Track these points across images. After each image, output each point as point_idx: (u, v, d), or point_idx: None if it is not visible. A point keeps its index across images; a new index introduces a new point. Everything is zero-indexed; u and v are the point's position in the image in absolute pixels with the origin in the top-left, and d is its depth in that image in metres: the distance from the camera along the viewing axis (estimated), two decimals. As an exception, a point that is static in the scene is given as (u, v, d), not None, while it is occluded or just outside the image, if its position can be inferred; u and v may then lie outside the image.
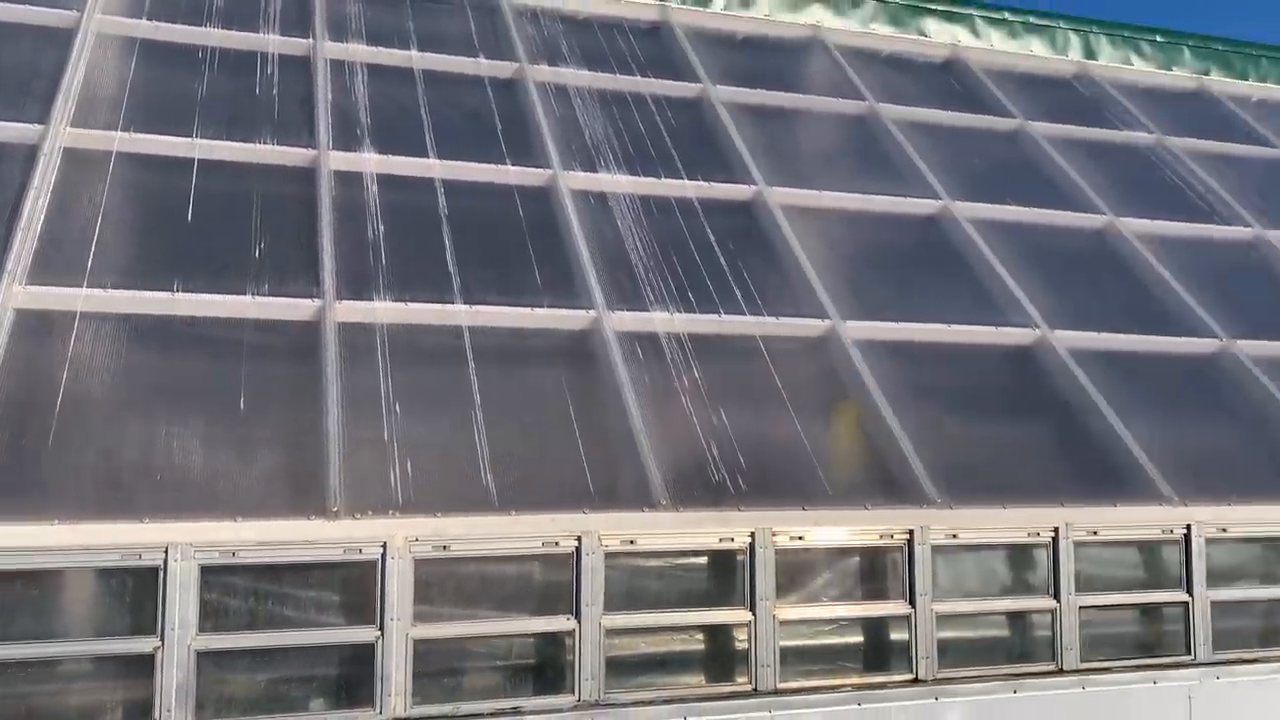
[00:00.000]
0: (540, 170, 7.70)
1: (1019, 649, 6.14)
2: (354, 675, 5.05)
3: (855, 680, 5.77)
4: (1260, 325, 8.25)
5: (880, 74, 10.34)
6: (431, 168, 7.45)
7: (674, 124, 8.70)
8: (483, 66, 8.77)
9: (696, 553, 5.77)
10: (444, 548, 5.19)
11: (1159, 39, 12.06)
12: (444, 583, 5.26)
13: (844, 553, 5.94)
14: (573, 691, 5.30)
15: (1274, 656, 6.51)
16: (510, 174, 7.62)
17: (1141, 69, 11.89)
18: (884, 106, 9.73)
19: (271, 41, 8.23)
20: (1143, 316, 8.10)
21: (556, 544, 5.35)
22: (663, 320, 6.77)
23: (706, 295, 7.08)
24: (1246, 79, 12.39)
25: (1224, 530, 6.55)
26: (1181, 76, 12.08)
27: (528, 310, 6.50)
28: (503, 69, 8.79)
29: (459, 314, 6.35)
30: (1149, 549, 6.50)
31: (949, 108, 10.06)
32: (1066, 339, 7.52)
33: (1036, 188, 9.27)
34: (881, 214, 8.43)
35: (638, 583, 5.61)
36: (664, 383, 6.39)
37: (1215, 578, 6.51)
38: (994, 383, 7.27)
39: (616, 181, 7.83)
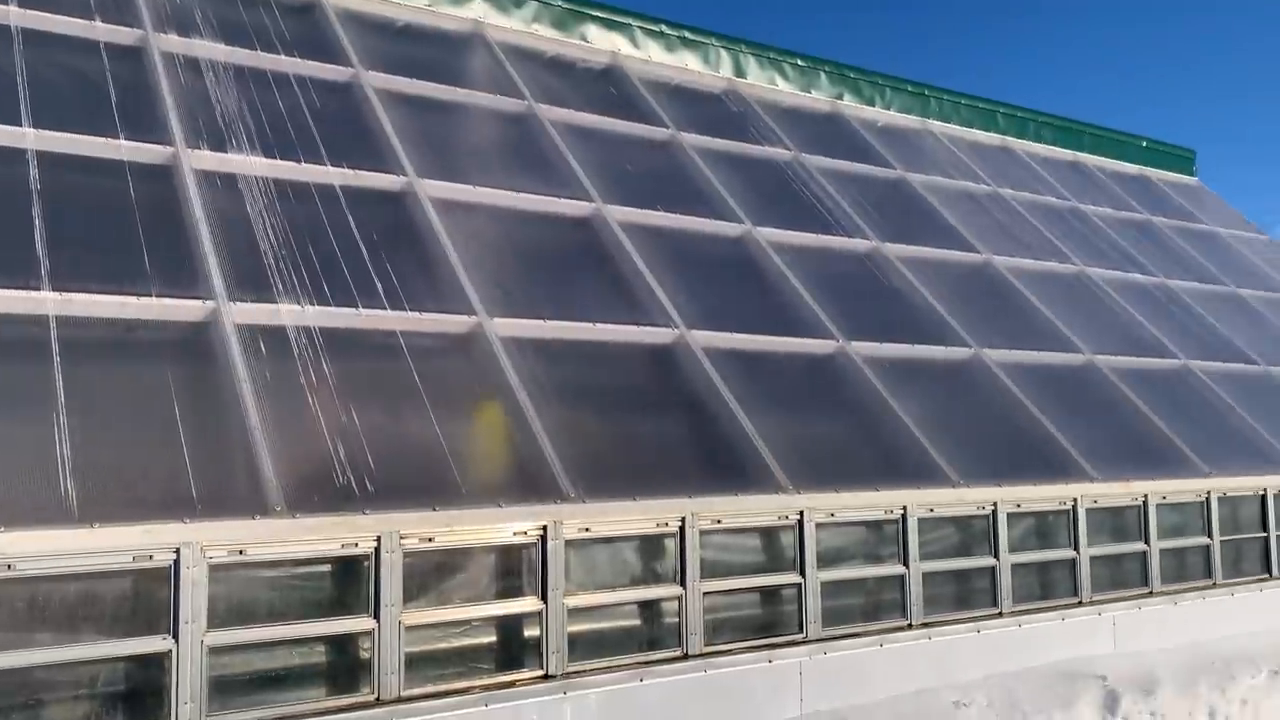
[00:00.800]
0: (159, 147, 7.03)
1: (648, 637, 6.33)
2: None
3: (485, 681, 5.69)
4: (872, 328, 9.09)
5: (540, 75, 10.42)
6: (24, 137, 6.58)
7: (320, 107, 8.26)
8: (99, 30, 7.89)
9: (319, 561, 5.46)
10: (7, 566, 4.54)
11: (800, 63, 13.06)
12: (11, 605, 4.61)
13: (478, 552, 5.85)
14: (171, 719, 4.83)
15: (873, 630, 7.15)
16: (123, 149, 6.89)
17: (785, 89, 12.82)
18: (542, 107, 9.81)
19: None
20: (772, 318, 8.66)
21: (150, 557, 4.85)
22: (291, 313, 6.37)
23: (344, 288, 6.75)
24: (874, 105, 13.70)
25: (832, 515, 7.12)
26: (819, 99, 13.14)
27: (132, 299, 5.87)
28: (123, 34, 7.96)
29: (46, 301, 5.62)
30: (768, 535, 6.93)
31: (606, 114, 10.30)
32: (702, 339, 7.89)
33: (683, 195, 9.69)
34: (534, 213, 8.47)
35: (252, 596, 5.22)
36: (289, 380, 6.00)
37: (824, 560, 7.05)
38: (634, 380, 7.48)
39: (249, 163, 7.31)
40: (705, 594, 6.47)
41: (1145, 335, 11.28)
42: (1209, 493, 9.28)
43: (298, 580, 5.44)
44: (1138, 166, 16.68)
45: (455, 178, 8.27)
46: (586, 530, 6.10)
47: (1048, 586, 8.17)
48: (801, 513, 6.94)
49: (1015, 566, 7.94)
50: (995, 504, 7.88)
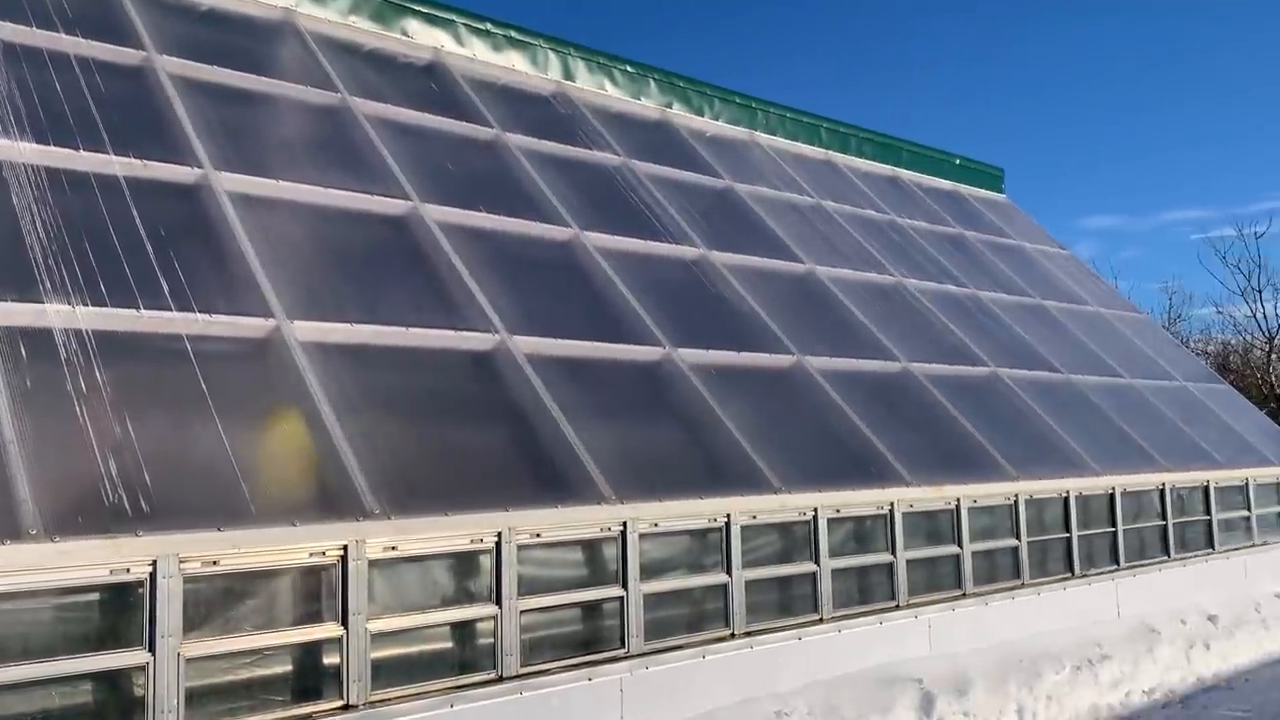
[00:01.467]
0: (-97, 127, 6.23)
1: (460, 660, 5.99)
2: None
3: (278, 715, 5.22)
4: (698, 335, 9.02)
5: (357, 68, 9.92)
6: None
7: (104, 92, 7.55)
8: None
9: (86, 589, 4.87)
10: None
11: (630, 69, 12.97)
12: None
13: (270, 576, 5.37)
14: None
15: (695, 641, 7.02)
16: None
17: (614, 95, 12.69)
18: (357, 101, 9.32)
19: None
20: (598, 325, 8.47)
21: None
22: (60, 314, 5.73)
23: (124, 287, 6.13)
24: (703, 115, 13.76)
25: (656, 525, 6.95)
26: (649, 107, 13.09)
27: None
28: None
29: None
30: (590, 547, 6.70)
31: (427, 110, 9.90)
32: (525, 345, 7.61)
33: (508, 197, 9.39)
34: (344, 210, 7.99)
35: (7, 630, 4.60)
36: (54, 388, 5.38)
37: (648, 571, 6.88)
38: (451, 388, 7.12)
39: (16, 149, 6.57)
40: (523, 612, 6.18)
41: (958, 344, 11.69)
42: (1017, 496, 9.64)
43: (65, 611, 4.85)
44: (951, 183, 17.41)
45: (256, 171, 7.72)
46: (393, 549, 5.71)
47: (866, 591, 8.26)
48: (625, 523, 6.75)
49: (835, 572, 7.99)
50: (816, 509, 7.90)
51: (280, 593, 5.42)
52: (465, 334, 7.43)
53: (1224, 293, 58.03)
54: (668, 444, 7.86)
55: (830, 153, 15.36)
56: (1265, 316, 31.87)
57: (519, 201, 9.43)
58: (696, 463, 7.78)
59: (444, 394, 7.04)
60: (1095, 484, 10.54)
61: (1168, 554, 11.47)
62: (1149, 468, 11.47)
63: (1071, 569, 10.16)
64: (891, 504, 8.46)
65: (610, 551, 6.75)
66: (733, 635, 7.23)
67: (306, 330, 6.59)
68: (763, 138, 14.35)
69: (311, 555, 5.44)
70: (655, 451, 7.66)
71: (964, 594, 8.95)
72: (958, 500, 9.03)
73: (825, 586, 7.87)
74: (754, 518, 7.52)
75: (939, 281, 13.15)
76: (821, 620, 7.80)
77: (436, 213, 8.46)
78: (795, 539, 7.89)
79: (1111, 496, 10.78)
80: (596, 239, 9.53)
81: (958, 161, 17.69)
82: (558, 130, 11.12)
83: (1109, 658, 9.47)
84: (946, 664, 8.38)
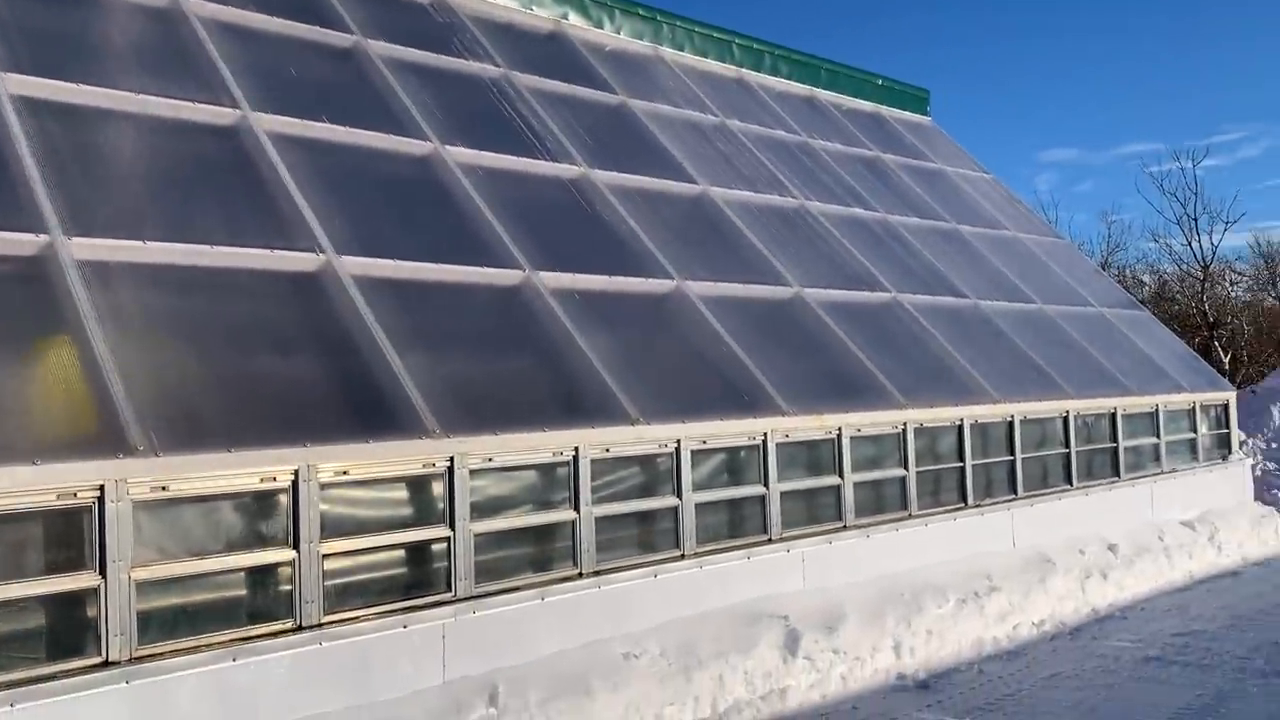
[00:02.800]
0: None
1: (251, 610, 5.46)
2: None
3: (23, 675, 4.67)
4: (566, 258, 8.43)
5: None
6: None
7: None
8: None
9: None
10: None
11: (520, -22, 12.15)
12: None
13: (11, 522, 4.78)
14: None
15: (536, 582, 6.55)
16: None
17: (501, 4, 11.89)
18: (192, 2, 8.49)
19: None
20: (448, 246, 7.84)
21: None
22: None
23: None
24: (602, 28, 12.99)
25: (490, 460, 6.43)
26: (541, 17, 12.30)
27: None
28: None
29: None
30: (414, 485, 6.17)
31: (273, 14, 9.08)
32: (354, 266, 6.98)
33: (360, 108, 8.66)
34: (160, 119, 7.25)
35: None
36: None
37: (482, 510, 6.37)
38: (261, 314, 6.48)
39: None
40: (325, 556, 5.65)
41: (860, 269, 11.19)
42: (905, 424, 9.23)
43: None
44: (873, 104, 16.80)
45: (56, 74, 6.94)
46: (163, 489, 5.13)
47: (736, 525, 7.83)
48: (452, 459, 6.21)
49: (701, 506, 7.54)
50: (679, 441, 7.42)
51: (26, 540, 4.84)
52: (284, 254, 6.78)
53: (1161, 222, 58.25)
54: (517, 375, 7.30)
55: (743, 70, 14.66)
56: (1200, 246, 31.80)
57: (373, 113, 8.71)
58: (546, 394, 7.24)
59: (250, 320, 6.40)
60: (992, 411, 10.17)
61: (1070, 483, 11.18)
62: (1052, 394, 11.11)
63: (965, 499, 9.81)
64: (765, 434, 8.00)
65: (437, 489, 6.22)
66: (580, 575, 6.77)
67: (84, 248, 5.92)
68: (668, 53, 13.62)
69: (61, 498, 4.85)
70: (500, 383, 7.10)
71: (844, 526, 8.56)
72: (839, 429, 8.60)
73: (688, 522, 7.43)
74: (607, 450, 7.02)
75: (846, 205, 12.60)
76: (683, 557, 7.37)
77: (269, 122, 7.74)
78: (657, 472, 7.41)
79: (1010, 424, 10.42)
80: (459, 154, 8.85)
81: (880, 82, 17.05)
82: (429, 39, 10.35)
83: (998, 589, 9.17)
84: (819, 599, 8.01)
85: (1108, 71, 53.77)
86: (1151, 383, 12.94)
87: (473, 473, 6.33)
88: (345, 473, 5.79)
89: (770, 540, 7.95)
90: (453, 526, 6.21)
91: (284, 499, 5.57)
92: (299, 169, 7.53)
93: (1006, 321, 12.16)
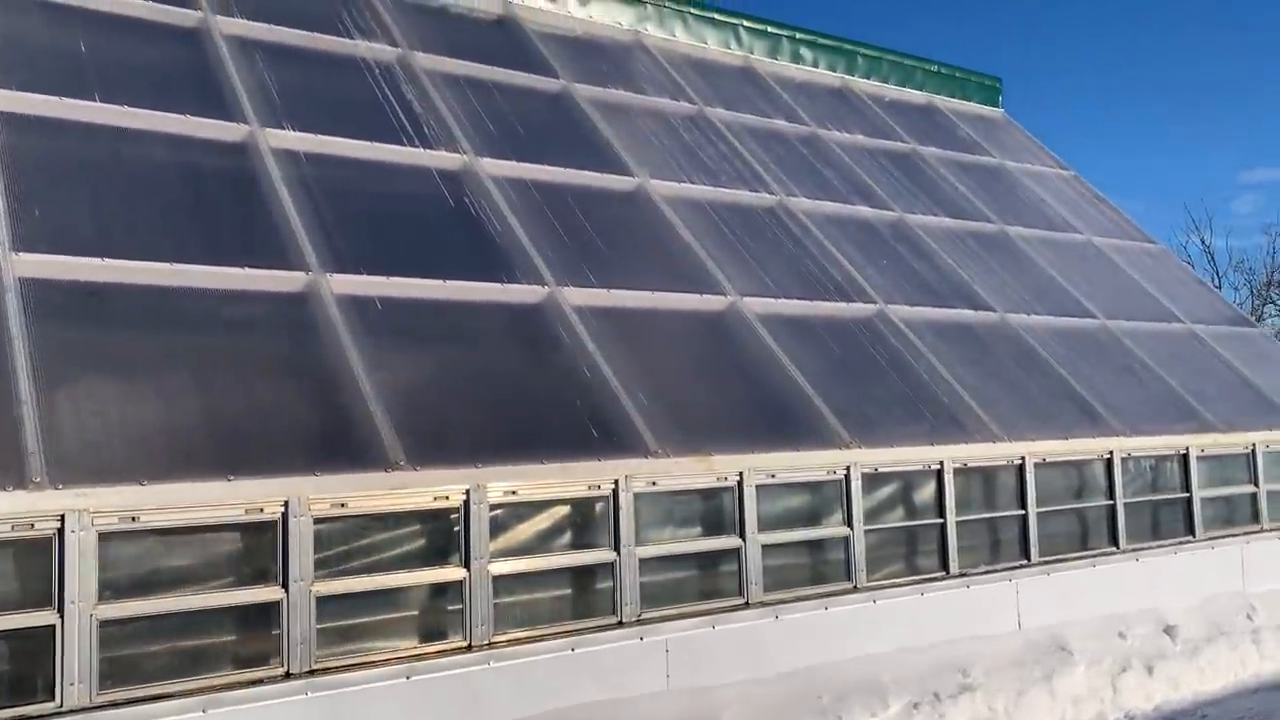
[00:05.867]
0: None
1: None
2: None
3: None
4: (372, 260, 6.82)
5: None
6: None
7: None
8: None
9: None
10: None
11: None
12: None
13: None
14: None
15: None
16: None
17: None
18: None
19: None
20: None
21: None
22: None
23: None
24: (567, 7, 11.37)
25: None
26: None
27: None
28: None
29: None
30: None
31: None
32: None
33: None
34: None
35: None
36: None
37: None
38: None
39: None
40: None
41: (840, 275, 9.11)
42: (849, 468, 7.13)
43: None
44: (926, 94, 14.57)
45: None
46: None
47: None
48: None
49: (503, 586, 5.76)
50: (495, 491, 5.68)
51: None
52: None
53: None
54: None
55: (751, 57, 12.78)
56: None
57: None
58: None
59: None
60: (989, 452, 7.92)
61: (1115, 544, 8.74)
62: (1088, 430, 8.72)
63: (947, 566, 7.60)
64: (616, 482, 6.13)
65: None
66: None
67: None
68: (653, 38, 11.90)
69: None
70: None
71: (747, 603, 6.54)
72: (741, 475, 6.61)
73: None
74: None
75: (849, 202, 10.53)
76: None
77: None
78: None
79: (1020, 469, 8.13)
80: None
81: (934, 69, 14.81)
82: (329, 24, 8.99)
83: (973, 689, 6.94)
84: (687, 703, 6.03)
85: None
86: (1247, 415, 10.25)
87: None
88: (514, 493, 5.67)
89: (621, 624, 6.03)
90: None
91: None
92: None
93: (1044, 338, 9.80)
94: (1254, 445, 10.02)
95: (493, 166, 8.11)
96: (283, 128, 7.36)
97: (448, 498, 5.50)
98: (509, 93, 9.37)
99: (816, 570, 6.96)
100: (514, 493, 5.72)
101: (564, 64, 10.27)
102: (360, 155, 7.58)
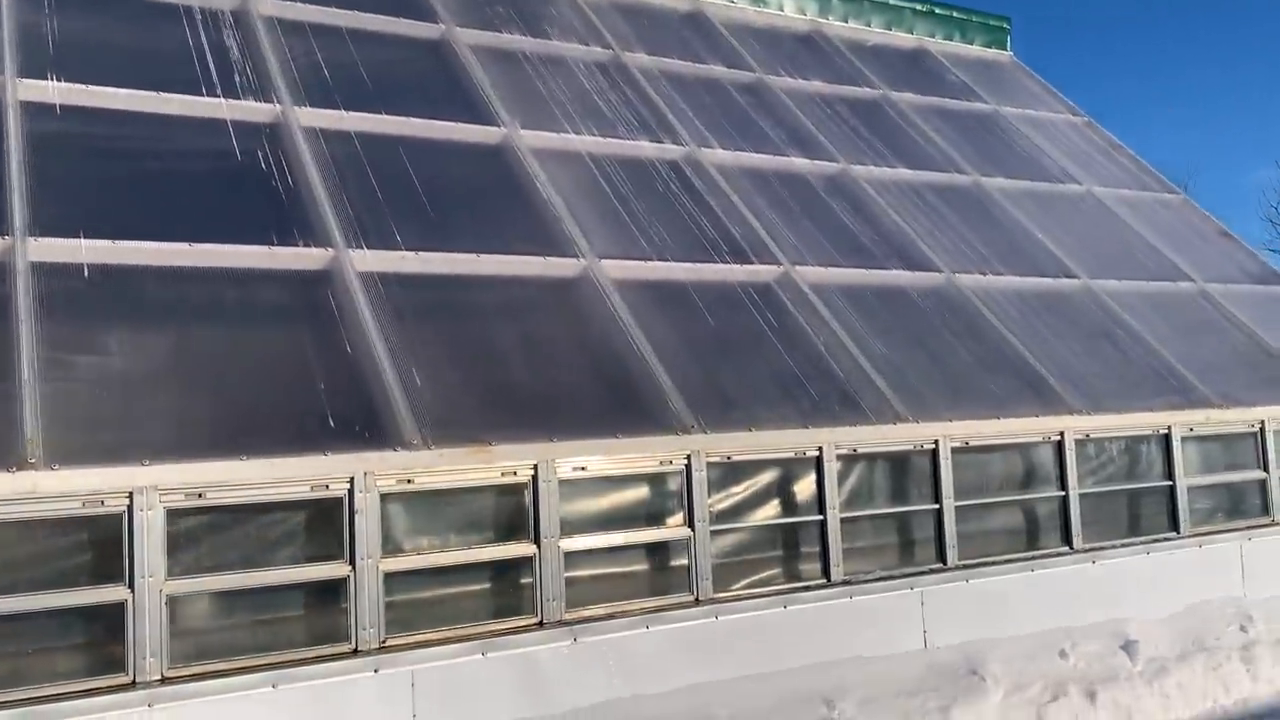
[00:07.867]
0: None
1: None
2: None
3: None
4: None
5: None
6: None
7: None
8: None
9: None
10: None
11: None
12: None
13: None
14: None
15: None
16: None
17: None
18: None
19: None
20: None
21: None
22: None
23: None
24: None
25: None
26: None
27: None
28: None
29: None
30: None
31: None
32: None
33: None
34: None
35: None
36: None
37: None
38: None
39: None
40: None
41: (742, 234, 7.84)
42: (689, 457, 5.91)
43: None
44: (916, 37, 13.08)
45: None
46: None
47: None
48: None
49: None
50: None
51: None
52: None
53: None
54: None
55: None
56: None
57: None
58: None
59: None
60: (889, 436, 6.60)
61: (1068, 543, 7.32)
62: (1030, 407, 7.32)
63: (828, 574, 6.32)
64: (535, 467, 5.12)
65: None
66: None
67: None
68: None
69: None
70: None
71: (541, 623, 5.40)
72: (535, 469, 5.46)
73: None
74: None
75: (781, 153, 9.24)
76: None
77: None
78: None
79: (934, 454, 6.79)
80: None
81: (925, 8, 13.28)
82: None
83: (838, 728, 5.68)
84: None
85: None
86: (1258, 389, 8.65)
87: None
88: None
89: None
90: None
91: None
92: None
93: (997, 302, 8.38)
94: (1262, 423, 8.43)
95: (311, 117, 7.12)
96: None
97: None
98: (381, 42, 8.37)
99: (652, 580, 5.78)
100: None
101: (451, 9, 9.21)
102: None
